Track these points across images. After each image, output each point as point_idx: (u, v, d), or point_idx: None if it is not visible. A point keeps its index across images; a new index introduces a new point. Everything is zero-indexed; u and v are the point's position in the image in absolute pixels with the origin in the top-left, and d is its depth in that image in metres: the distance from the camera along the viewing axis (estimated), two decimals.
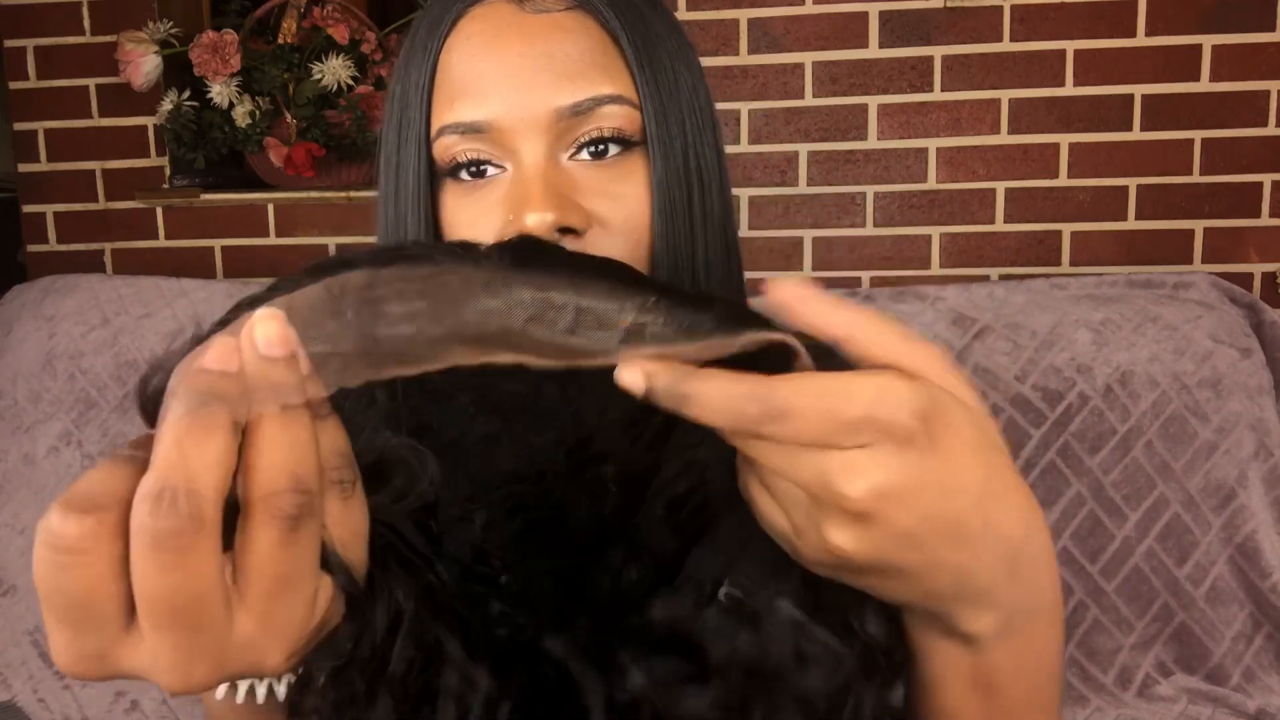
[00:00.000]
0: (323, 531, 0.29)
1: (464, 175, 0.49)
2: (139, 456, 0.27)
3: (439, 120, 0.49)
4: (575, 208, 0.47)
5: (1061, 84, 1.50)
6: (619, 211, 0.48)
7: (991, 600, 0.33)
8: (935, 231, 1.55)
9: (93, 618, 0.26)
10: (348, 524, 0.30)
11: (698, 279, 0.50)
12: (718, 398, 0.30)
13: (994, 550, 0.32)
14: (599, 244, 0.48)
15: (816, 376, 0.30)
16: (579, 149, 0.48)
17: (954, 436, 0.31)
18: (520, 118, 0.47)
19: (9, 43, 1.64)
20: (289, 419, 0.27)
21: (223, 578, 0.26)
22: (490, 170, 0.49)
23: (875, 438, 0.30)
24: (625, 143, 0.48)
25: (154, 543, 0.25)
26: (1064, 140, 1.51)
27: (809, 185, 1.56)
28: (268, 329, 0.27)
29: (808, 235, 1.57)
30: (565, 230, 0.46)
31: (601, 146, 0.48)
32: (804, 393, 0.30)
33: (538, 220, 0.45)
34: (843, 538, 0.31)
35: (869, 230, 1.56)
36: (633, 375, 0.31)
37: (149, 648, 0.27)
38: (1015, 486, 0.33)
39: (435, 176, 0.50)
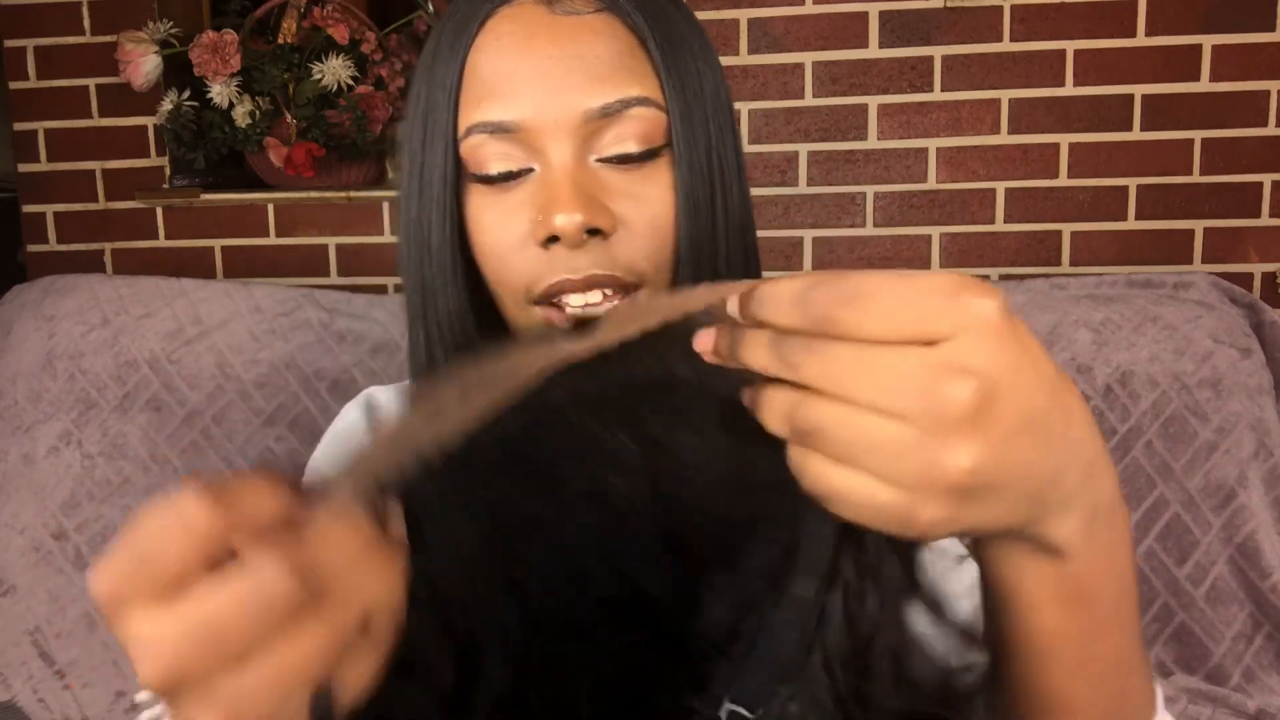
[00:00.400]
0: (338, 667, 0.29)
1: (493, 179, 0.49)
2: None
3: (467, 119, 0.49)
4: (603, 209, 0.48)
5: (1061, 84, 1.50)
6: (644, 213, 0.49)
7: (1076, 502, 0.32)
8: (935, 231, 1.55)
9: (158, 579, 0.27)
10: (358, 671, 0.30)
11: (719, 278, 0.50)
12: (786, 291, 0.30)
13: (1075, 448, 0.31)
14: (624, 245, 0.49)
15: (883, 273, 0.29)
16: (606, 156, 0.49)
17: (1024, 328, 0.30)
18: (550, 119, 0.48)
19: (9, 43, 1.64)
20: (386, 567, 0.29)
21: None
22: (517, 172, 0.49)
23: (966, 323, 0.28)
24: (651, 148, 0.49)
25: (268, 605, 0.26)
26: (1064, 140, 1.51)
27: (809, 185, 1.56)
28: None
29: (808, 235, 1.57)
30: (593, 231, 0.47)
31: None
32: (875, 277, 0.28)
33: (566, 221, 0.46)
34: (962, 455, 0.28)
35: (869, 230, 1.56)
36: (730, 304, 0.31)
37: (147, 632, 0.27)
38: (1071, 381, 0.32)
39: (461, 175, 0.51)
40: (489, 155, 0.49)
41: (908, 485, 0.29)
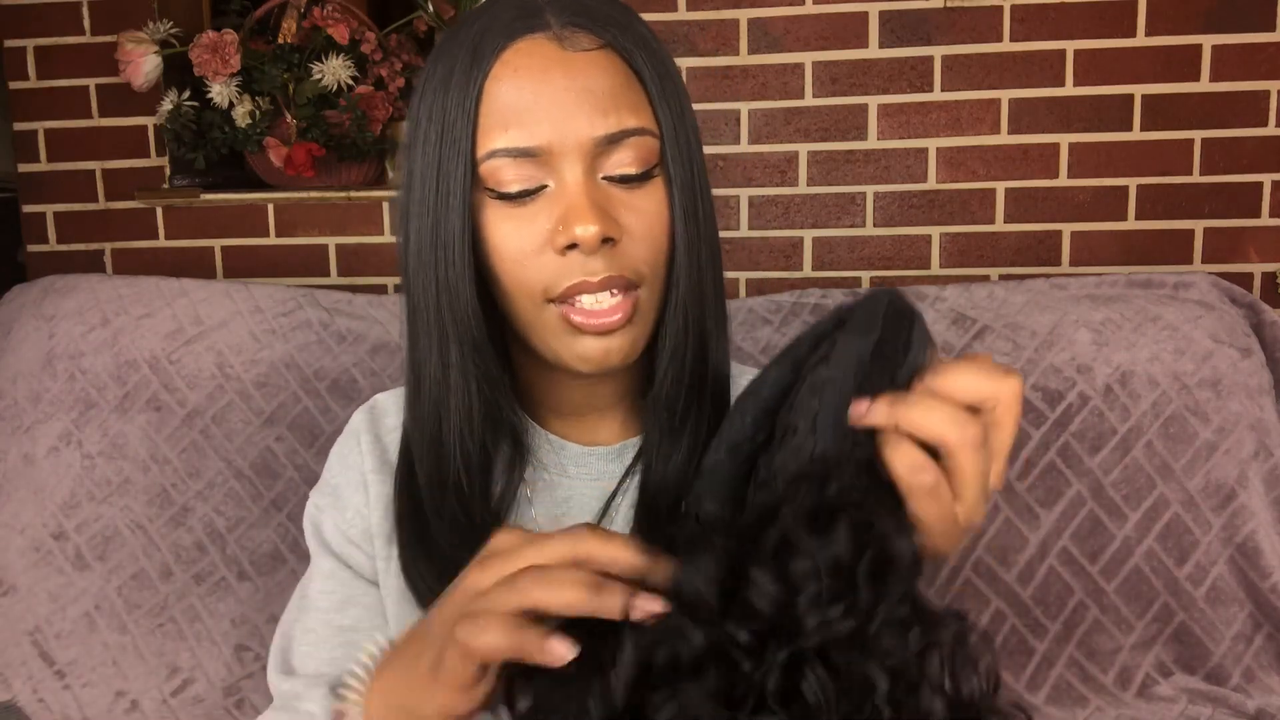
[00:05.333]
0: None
1: (511, 195, 0.56)
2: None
3: (490, 143, 0.56)
4: (613, 221, 0.56)
5: (1061, 84, 1.50)
6: (645, 223, 0.57)
7: None
8: (935, 231, 1.55)
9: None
10: None
11: (702, 274, 0.60)
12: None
13: None
14: (629, 250, 0.57)
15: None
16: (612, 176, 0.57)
17: None
18: (565, 143, 0.55)
19: (9, 43, 1.64)
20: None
21: None
22: (533, 190, 0.56)
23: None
24: (648, 169, 0.58)
25: (470, 598, 0.45)
26: (1064, 140, 1.51)
27: (809, 185, 1.56)
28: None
29: (808, 235, 1.57)
30: (606, 240, 0.55)
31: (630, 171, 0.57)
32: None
33: (584, 232, 0.54)
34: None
35: (869, 230, 1.56)
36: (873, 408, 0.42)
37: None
38: None
39: (476, 189, 0.57)
40: (509, 176, 0.56)
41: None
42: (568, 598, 0.40)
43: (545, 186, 0.56)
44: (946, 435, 0.41)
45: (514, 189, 0.56)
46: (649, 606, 0.39)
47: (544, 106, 0.55)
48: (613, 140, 0.55)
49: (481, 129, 0.56)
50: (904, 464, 0.41)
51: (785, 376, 0.45)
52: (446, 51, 0.59)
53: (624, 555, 0.42)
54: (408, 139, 0.61)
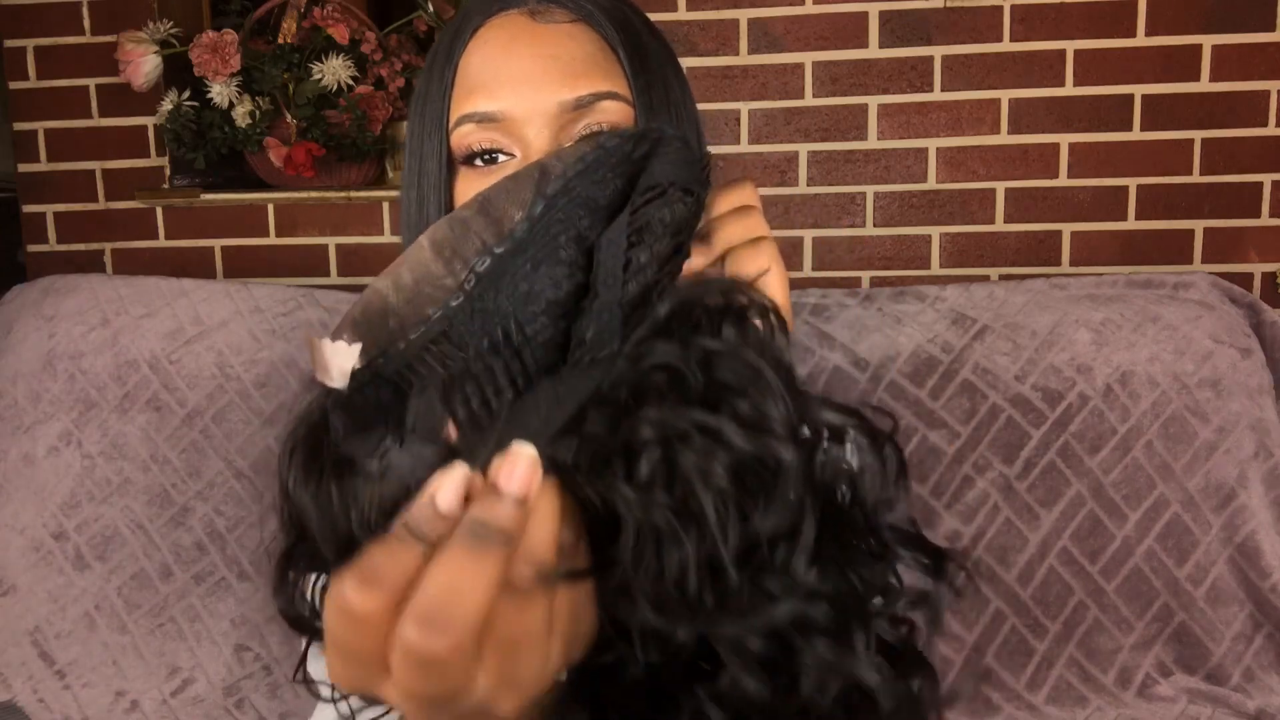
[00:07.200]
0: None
1: (478, 162, 0.56)
2: (417, 541, 0.28)
3: (458, 111, 0.56)
4: None
5: (1061, 84, 1.50)
6: None
7: None
8: (935, 231, 1.55)
9: (363, 662, 0.28)
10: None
11: None
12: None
13: None
14: None
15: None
16: (580, 138, 0.54)
17: None
18: (530, 109, 0.54)
19: (9, 43, 1.64)
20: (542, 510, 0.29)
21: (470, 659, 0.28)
22: (501, 157, 0.55)
23: None
24: None
25: (418, 660, 0.27)
26: (1064, 140, 1.51)
27: (809, 185, 1.56)
28: (523, 472, 0.29)
29: (808, 235, 1.57)
30: None
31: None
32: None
33: None
34: None
35: (869, 230, 1.56)
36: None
37: (400, 697, 0.29)
38: None
39: (453, 164, 0.57)
40: (475, 142, 0.55)
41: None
42: (488, 575, 0.27)
43: (512, 156, 0.55)
44: (758, 230, 0.48)
45: (480, 157, 0.56)
46: (517, 467, 0.29)
47: (508, 72, 0.54)
48: (580, 105, 0.54)
49: (454, 102, 0.56)
50: (761, 250, 0.48)
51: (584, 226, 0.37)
52: (436, 42, 0.60)
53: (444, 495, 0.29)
54: (406, 128, 0.62)
